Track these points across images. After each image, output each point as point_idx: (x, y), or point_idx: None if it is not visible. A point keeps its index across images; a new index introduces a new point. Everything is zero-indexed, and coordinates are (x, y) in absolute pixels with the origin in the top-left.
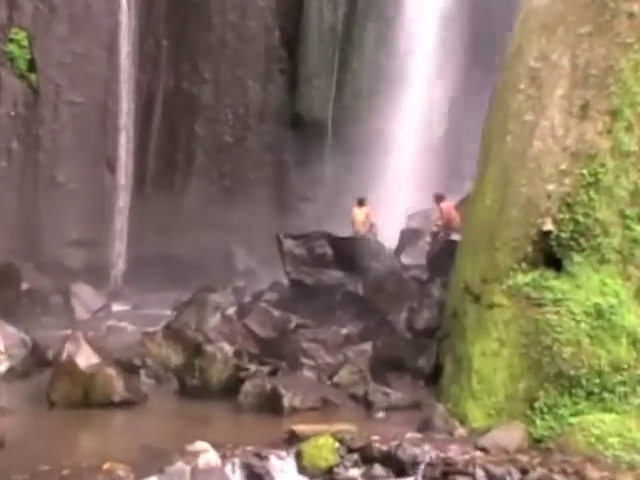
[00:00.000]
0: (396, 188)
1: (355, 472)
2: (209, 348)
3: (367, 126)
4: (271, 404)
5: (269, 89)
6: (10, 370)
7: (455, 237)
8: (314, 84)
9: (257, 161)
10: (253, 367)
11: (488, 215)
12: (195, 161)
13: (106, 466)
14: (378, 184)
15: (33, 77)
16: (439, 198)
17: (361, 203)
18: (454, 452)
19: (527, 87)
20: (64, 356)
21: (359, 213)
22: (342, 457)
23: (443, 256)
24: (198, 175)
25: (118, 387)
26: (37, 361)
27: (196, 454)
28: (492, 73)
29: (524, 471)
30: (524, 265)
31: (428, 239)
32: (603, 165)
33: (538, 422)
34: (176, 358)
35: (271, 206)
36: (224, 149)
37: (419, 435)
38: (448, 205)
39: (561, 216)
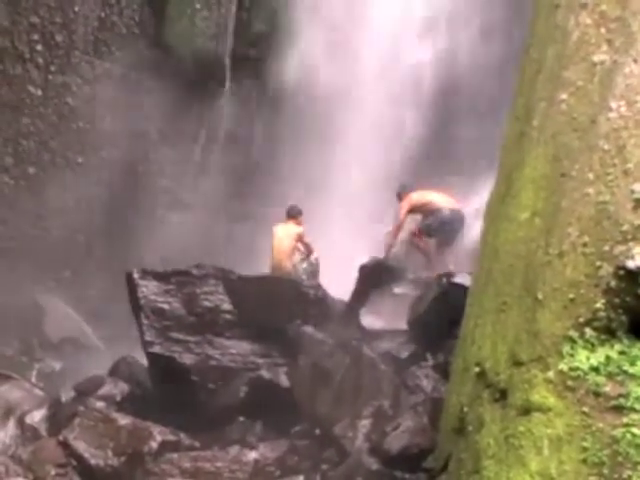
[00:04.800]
0: (351, 183)
1: None
2: None
3: (297, 75)
4: None
5: None
6: None
7: (461, 279)
8: None
9: (90, 130)
10: None
11: (524, 240)
12: None
13: None
14: (317, 176)
15: None
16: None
17: (291, 215)
18: None
19: None
20: None
21: (282, 234)
22: None
23: (439, 315)
24: None
25: None
26: None
27: None
28: None
29: None
30: (590, 333)
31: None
32: None
33: None
34: None
35: (116, 217)
36: (23, 108)
37: None
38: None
39: None
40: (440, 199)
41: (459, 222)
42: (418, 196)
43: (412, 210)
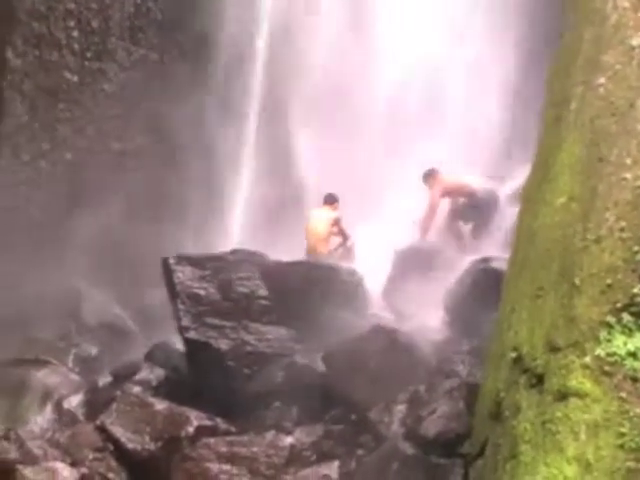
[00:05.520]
0: (388, 167)
1: None
2: (30, 473)
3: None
4: None
5: None
6: None
7: (497, 263)
8: None
9: (125, 116)
10: None
11: (560, 225)
12: (4, 117)
13: None
14: (351, 162)
15: None
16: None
17: (327, 201)
18: None
19: None
20: None
21: (318, 219)
22: None
23: (474, 299)
24: (8, 146)
25: None
26: None
27: None
28: None
29: None
30: (627, 318)
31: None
32: None
33: None
34: None
35: (152, 202)
36: (59, 94)
37: None
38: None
39: None
40: (473, 181)
41: (494, 203)
42: (451, 179)
43: (445, 194)
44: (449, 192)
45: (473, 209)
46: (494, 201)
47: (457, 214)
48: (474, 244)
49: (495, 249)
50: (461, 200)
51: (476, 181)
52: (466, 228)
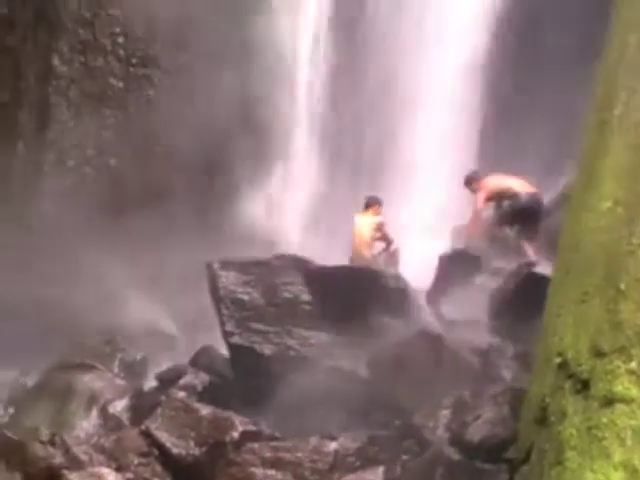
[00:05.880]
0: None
1: None
2: (76, 478)
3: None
4: None
5: None
6: None
7: (542, 268)
8: None
9: (170, 121)
10: None
11: (606, 230)
12: (50, 123)
13: None
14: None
15: None
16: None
17: (369, 205)
18: None
19: None
20: None
21: (362, 223)
22: None
23: (519, 305)
24: (53, 152)
25: None
26: None
27: None
28: None
29: None
30: None
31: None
32: None
33: None
34: None
35: (196, 206)
36: (104, 100)
37: None
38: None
39: None
40: (517, 184)
41: (538, 207)
42: (496, 182)
43: (490, 197)
44: (493, 196)
45: (517, 213)
46: (538, 205)
47: (501, 218)
48: (519, 248)
49: (540, 253)
50: (505, 204)
51: (519, 184)
52: (510, 232)
